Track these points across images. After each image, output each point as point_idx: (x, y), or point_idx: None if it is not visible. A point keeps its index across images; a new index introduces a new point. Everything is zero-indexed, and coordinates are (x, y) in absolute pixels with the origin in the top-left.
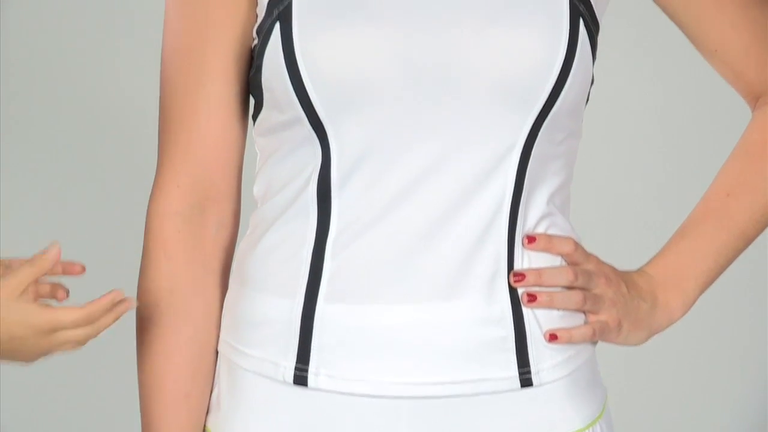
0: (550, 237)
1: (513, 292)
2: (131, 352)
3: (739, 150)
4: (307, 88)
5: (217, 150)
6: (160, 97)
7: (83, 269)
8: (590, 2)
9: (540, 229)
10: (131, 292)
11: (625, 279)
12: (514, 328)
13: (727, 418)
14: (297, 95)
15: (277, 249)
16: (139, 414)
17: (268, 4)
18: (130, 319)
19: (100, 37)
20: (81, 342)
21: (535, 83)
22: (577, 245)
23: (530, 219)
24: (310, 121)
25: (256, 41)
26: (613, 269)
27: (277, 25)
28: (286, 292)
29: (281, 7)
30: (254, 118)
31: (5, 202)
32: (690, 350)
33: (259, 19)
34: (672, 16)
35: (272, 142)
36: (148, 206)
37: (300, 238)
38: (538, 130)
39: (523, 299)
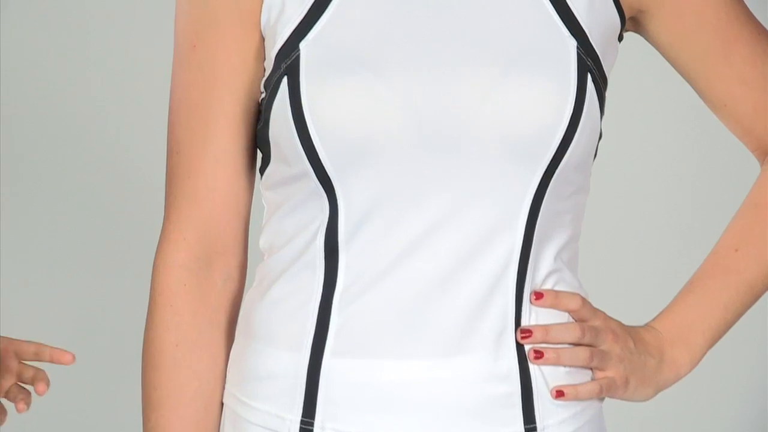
0: (557, 293)
1: (520, 348)
2: (132, 355)
3: (748, 205)
4: (314, 143)
5: (224, 203)
6: (167, 149)
7: (73, 359)
8: (598, 57)
9: (548, 285)
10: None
11: (632, 335)
12: (521, 384)
13: (727, 419)
14: (304, 150)
15: (283, 302)
16: (138, 417)
17: (276, 57)
18: (131, 324)
19: (100, 43)
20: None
21: (543, 138)
22: (584, 301)
23: (538, 275)
24: (317, 176)
25: (263, 95)
26: (620, 325)
27: (285, 79)
28: (292, 345)
29: (288, 61)
30: (261, 171)
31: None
32: None
33: (267, 73)
34: (681, 71)
35: (279, 195)
36: (155, 258)
37: (307, 292)
38: (547, 185)
39: (530, 356)
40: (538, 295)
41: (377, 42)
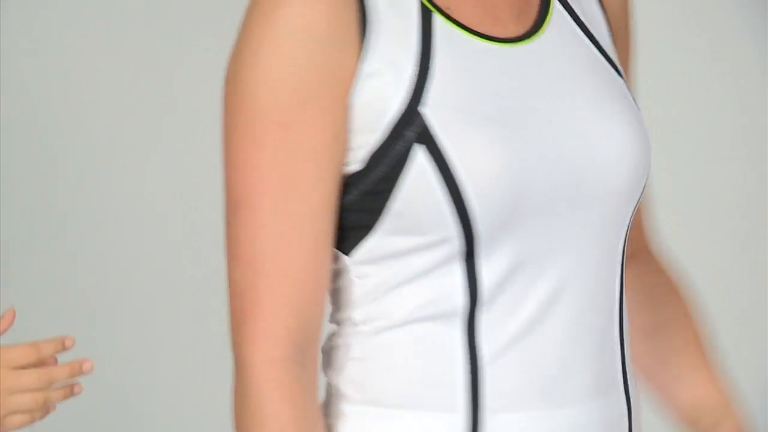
0: None
1: (626, 383)
2: (135, 356)
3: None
4: (469, 209)
5: (319, 283)
6: (239, 235)
7: (92, 367)
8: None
9: (625, 320)
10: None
11: None
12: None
13: None
14: (458, 216)
15: (420, 365)
16: (140, 416)
17: (394, 127)
18: (133, 325)
19: (100, 47)
20: (32, 409)
21: (641, 179)
22: None
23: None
24: (465, 241)
25: (358, 167)
26: None
27: (419, 148)
28: (444, 407)
29: (415, 129)
30: (349, 245)
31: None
32: None
33: (373, 144)
34: None
35: (387, 268)
36: (249, 354)
37: (448, 352)
38: (629, 227)
39: None
40: None
41: (492, 97)
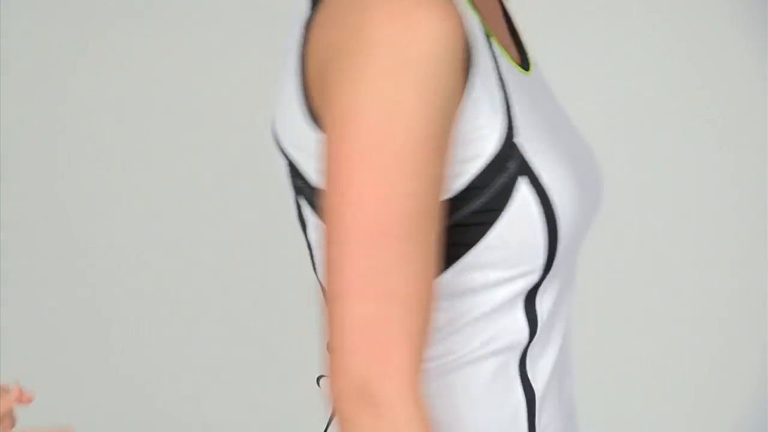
0: None
1: None
2: (135, 355)
3: None
4: (558, 242)
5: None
6: (382, 268)
7: (31, 399)
8: None
9: None
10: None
11: None
12: None
13: (727, 420)
14: (548, 249)
15: (490, 400)
16: (138, 415)
17: (495, 157)
18: (132, 323)
19: (101, 48)
20: None
21: None
22: None
23: None
24: (542, 274)
25: (446, 196)
26: None
27: (522, 180)
28: None
29: (516, 160)
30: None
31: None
32: (689, 352)
33: (469, 174)
34: None
35: (463, 302)
36: (393, 391)
37: (513, 386)
38: None
39: None
40: None
41: (549, 128)
